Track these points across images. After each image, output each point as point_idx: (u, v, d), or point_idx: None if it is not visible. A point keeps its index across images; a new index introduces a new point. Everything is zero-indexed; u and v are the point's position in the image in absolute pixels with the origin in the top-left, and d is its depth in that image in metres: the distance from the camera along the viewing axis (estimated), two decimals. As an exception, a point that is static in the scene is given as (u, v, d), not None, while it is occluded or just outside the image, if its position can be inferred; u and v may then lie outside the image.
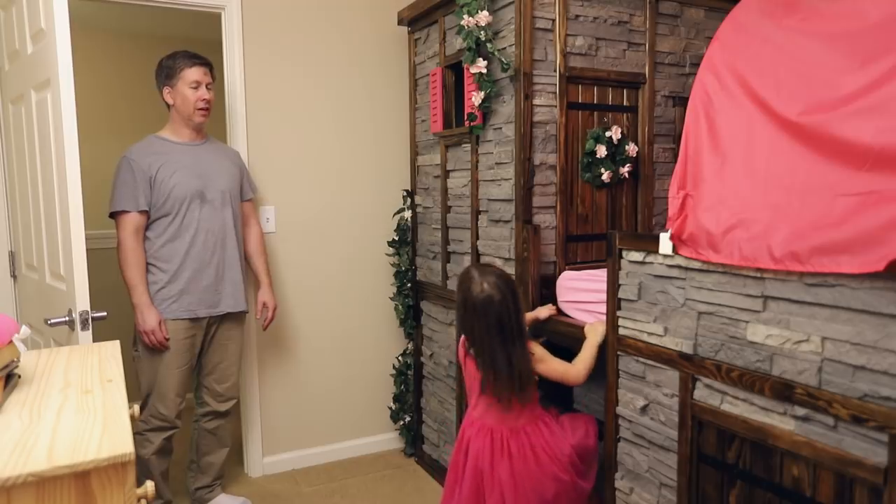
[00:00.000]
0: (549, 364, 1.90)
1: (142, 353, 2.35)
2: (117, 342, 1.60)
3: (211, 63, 2.42)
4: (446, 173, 2.66)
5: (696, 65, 2.29)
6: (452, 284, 2.65)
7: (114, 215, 2.30)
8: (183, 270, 2.33)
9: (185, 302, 2.35)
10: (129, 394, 1.30)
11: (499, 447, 1.91)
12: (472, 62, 2.22)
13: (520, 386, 1.83)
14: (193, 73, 2.33)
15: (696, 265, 1.54)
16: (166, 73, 2.35)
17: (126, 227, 2.27)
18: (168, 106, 2.40)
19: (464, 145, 2.50)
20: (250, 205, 2.63)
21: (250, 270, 2.64)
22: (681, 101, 2.35)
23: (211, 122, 3.66)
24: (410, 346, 3.08)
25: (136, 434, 2.33)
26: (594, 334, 1.88)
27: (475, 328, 1.84)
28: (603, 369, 1.86)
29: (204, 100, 2.36)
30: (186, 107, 2.34)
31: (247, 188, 2.60)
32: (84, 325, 1.78)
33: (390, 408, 3.16)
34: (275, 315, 2.66)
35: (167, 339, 2.31)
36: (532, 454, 1.89)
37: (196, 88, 2.34)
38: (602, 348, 1.87)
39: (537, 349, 1.91)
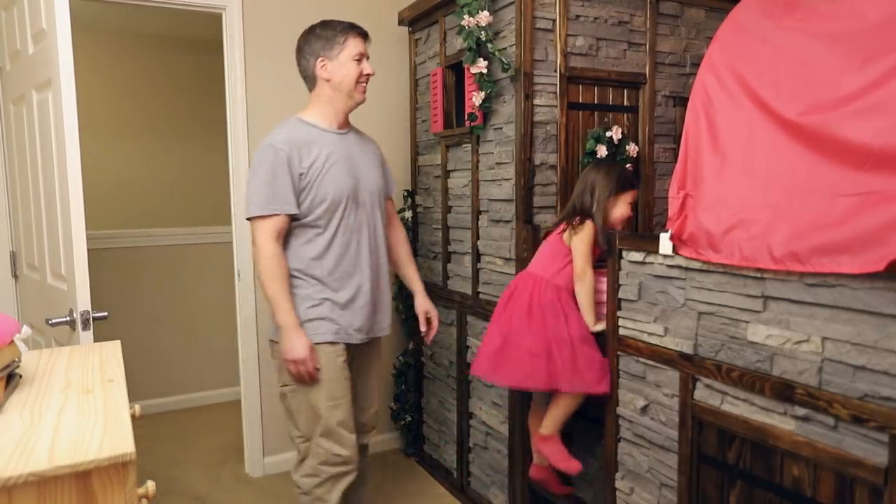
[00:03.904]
0: (583, 246, 1.94)
1: (298, 386, 1.94)
2: (118, 342, 1.60)
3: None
4: (447, 173, 2.66)
5: (697, 65, 2.29)
6: (453, 284, 2.65)
7: (252, 217, 1.90)
8: (341, 287, 1.95)
9: (344, 322, 1.95)
10: (131, 393, 1.30)
11: (532, 289, 1.99)
12: (473, 62, 2.22)
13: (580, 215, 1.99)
14: (358, 45, 1.97)
15: (697, 265, 1.54)
16: (324, 42, 1.96)
17: (267, 230, 1.87)
18: (312, 84, 2.01)
19: (464, 145, 2.50)
20: (391, 203, 2.23)
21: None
22: (681, 102, 2.35)
23: (212, 122, 3.69)
24: (411, 346, 3.08)
25: (305, 495, 2.00)
26: (591, 323, 1.94)
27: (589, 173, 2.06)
28: (603, 369, 1.86)
29: (369, 75, 2.00)
30: (348, 83, 1.96)
31: (390, 184, 2.20)
32: (85, 325, 1.78)
33: (391, 408, 3.16)
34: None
35: (318, 370, 1.90)
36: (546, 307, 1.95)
37: (359, 62, 1.98)
38: (601, 340, 1.87)
39: (588, 236, 1.96)
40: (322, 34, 1.97)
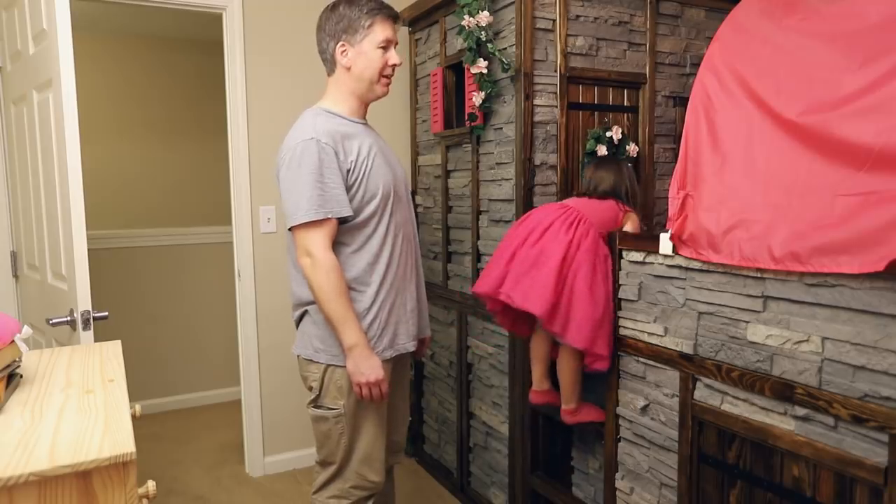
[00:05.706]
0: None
1: (347, 410, 1.72)
2: (118, 342, 1.61)
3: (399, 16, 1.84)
4: (447, 173, 2.66)
5: (697, 65, 2.29)
6: (453, 284, 2.65)
7: (300, 224, 1.64)
8: (389, 294, 1.75)
9: (390, 335, 1.76)
10: (131, 393, 1.30)
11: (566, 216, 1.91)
12: (473, 62, 2.22)
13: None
14: (386, 30, 1.73)
15: (697, 265, 1.54)
16: (346, 24, 1.72)
17: (321, 238, 1.63)
18: (331, 69, 1.78)
19: (464, 145, 2.51)
20: None
21: None
22: (681, 102, 2.35)
23: (212, 122, 3.69)
24: (411, 346, 3.08)
25: None
26: None
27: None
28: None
29: (395, 66, 1.77)
30: (370, 73, 1.73)
31: None
32: (85, 325, 1.78)
33: (391, 408, 3.16)
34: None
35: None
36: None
37: (385, 50, 1.74)
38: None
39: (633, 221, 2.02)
40: (346, 13, 1.72)
